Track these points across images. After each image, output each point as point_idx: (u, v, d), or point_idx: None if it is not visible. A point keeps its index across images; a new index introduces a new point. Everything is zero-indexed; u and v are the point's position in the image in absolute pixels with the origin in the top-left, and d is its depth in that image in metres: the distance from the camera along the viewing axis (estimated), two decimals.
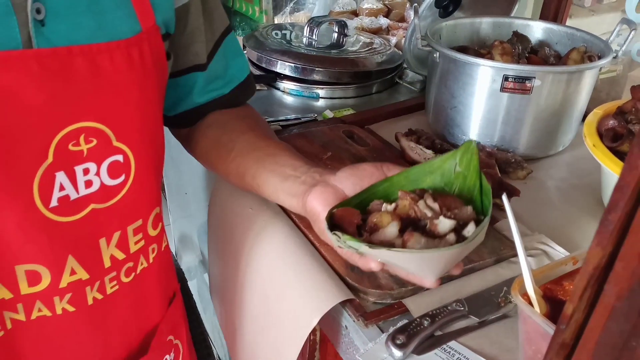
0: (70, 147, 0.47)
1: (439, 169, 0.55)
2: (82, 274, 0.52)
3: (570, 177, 0.87)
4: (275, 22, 1.53)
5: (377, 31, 1.44)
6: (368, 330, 0.59)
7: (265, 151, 0.63)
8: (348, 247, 0.49)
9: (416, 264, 0.48)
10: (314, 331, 0.71)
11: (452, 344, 0.57)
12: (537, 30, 1.01)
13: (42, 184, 0.46)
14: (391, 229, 0.49)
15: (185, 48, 0.65)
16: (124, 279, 0.56)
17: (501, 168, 0.83)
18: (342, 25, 1.27)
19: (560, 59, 0.94)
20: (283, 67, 1.15)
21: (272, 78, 1.16)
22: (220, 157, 0.68)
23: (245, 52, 1.28)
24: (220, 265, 0.88)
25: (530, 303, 0.49)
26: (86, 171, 0.49)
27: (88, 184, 0.49)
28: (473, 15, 1.11)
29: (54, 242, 0.49)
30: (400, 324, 0.58)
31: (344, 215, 0.51)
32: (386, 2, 1.56)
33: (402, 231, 0.50)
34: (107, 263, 0.54)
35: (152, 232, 0.58)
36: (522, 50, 0.93)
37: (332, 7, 1.59)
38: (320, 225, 0.53)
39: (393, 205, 0.52)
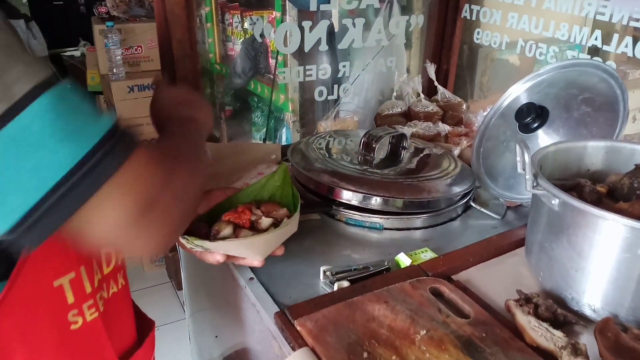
0: None
1: (265, 185, 0.84)
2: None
3: None
4: (321, 126, 1.37)
5: (433, 138, 1.28)
6: None
7: None
8: (196, 246, 0.70)
9: (245, 249, 0.72)
10: None
11: None
12: None
13: None
14: (227, 230, 0.73)
15: None
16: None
17: None
18: (401, 138, 1.11)
19: None
20: (340, 193, 0.97)
21: (327, 205, 0.98)
22: None
23: (289, 164, 1.11)
24: None
25: None
26: None
27: None
28: (570, 137, 0.94)
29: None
30: None
31: (193, 229, 0.73)
32: (440, 104, 1.42)
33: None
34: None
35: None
36: None
37: (380, 109, 1.44)
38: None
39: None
